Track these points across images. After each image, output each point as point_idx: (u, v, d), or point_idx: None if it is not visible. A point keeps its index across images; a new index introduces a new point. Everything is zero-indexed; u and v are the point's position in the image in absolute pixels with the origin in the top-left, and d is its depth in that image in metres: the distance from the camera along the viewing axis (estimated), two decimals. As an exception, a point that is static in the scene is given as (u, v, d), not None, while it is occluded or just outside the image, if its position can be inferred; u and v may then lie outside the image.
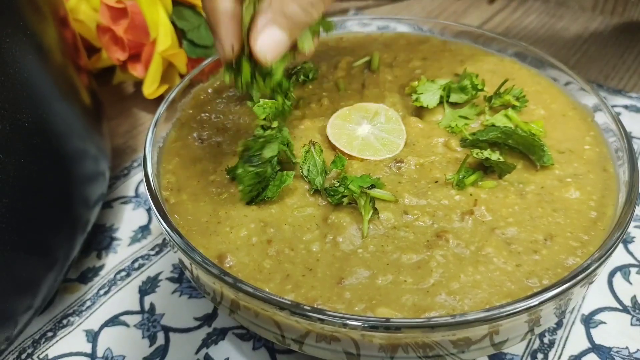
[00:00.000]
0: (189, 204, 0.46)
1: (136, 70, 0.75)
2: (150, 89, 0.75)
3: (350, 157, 0.49)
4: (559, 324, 0.52)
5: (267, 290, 0.39)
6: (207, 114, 0.56)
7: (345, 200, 0.44)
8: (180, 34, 0.75)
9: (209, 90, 0.59)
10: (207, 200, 0.46)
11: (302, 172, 0.46)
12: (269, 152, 0.44)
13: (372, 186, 0.44)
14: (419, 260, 0.40)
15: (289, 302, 0.36)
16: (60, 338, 0.53)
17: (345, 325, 0.34)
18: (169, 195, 0.47)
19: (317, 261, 0.41)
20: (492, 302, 0.37)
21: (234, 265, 0.41)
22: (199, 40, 0.75)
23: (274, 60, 0.43)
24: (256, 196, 0.45)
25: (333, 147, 0.50)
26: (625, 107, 0.79)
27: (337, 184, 0.44)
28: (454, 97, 0.54)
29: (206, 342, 0.51)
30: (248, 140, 0.44)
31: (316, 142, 0.47)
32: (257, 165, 0.44)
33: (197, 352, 0.51)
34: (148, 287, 0.57)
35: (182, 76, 0.76)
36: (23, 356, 0.51)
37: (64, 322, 0.54)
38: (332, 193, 0.44)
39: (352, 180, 0.43)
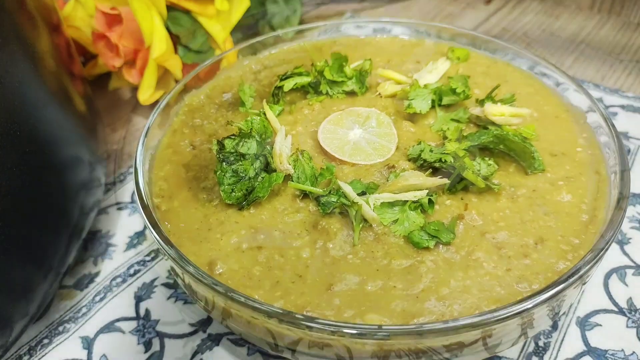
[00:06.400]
0: (180, 210, 0.46)
1: (131, 77, 0.75)
2: (145, 95, 0.75)
3: (342, 161, 0.48)
4: (554, 327, 0.52)
5: (257, 297, 0.39)
6: (199, 120, 0.56)
7: (336, 211, 0.44)
8: (175, 39, 0.75)
9: (202, 97, 0.59)
10: (199, 207, 0.46)
11: (291, 180, 0.46)
12: (245, 148, 0.44)
13: (363, 192, 0.44)
14: (409, 265, 0.40)
15: (279, 311, 0.36)
16: (56, 345, 0.53)
17: (334, 333, 0.34)
18: (160, 202, 0.47)
19: (307, 267, 0.40)
20: (482, 308, 0.37)
21: (224, 272, 0.41)
22: (193, 46, 0.75)
23: None
24: (245, 197, 0.45)
25: (324, 152, 0.50)
26: (622, 107, 0.79)
27: (329, 192, 0.44)
28: (445, 100, 0.54)
29: (201, 348, 0.51)
30: (222, 139, 0.44)
31: (304, 150, 0.47)
32: (233, 163, 0.44)
33: (192, 358, 0.51)
34: (143, 293, 0.57)
35: (177, 82, 0.76)
36: (19, 363, 0.51)
37: (60, 328, 0.54)
38: (325, 204, 0.44)
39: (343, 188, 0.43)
